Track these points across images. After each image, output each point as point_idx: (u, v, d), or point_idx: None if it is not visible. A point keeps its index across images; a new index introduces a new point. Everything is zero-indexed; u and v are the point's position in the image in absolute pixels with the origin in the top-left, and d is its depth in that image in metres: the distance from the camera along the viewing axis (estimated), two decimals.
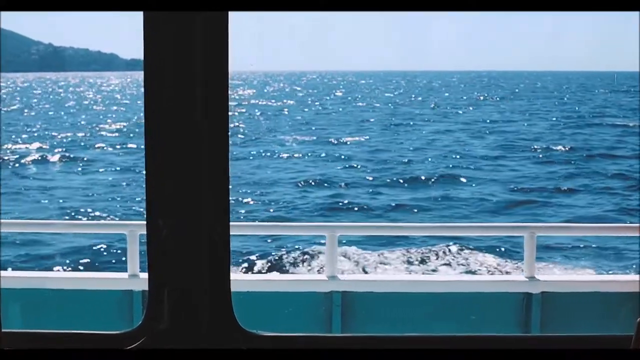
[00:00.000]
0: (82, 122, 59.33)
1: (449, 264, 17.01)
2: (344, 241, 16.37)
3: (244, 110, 69.12)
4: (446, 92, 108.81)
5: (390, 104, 79.62)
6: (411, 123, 55.82)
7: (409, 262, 17.03)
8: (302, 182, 28.65)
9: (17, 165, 34.38)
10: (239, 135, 45.46)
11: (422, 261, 17.13)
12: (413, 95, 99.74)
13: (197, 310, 2.14)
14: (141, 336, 2.14)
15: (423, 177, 29.63)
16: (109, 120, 60.24)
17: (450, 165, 32.95)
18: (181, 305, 2.13)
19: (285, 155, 37.11)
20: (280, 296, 5.97)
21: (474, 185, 28.00)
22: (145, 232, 2.13)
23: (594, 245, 16.99)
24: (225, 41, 2.03)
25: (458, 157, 36.10)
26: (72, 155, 37.20)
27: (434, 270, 16.29)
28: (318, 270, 14.10)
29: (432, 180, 29.02)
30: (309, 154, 37.68)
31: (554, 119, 58.90)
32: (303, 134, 47.71)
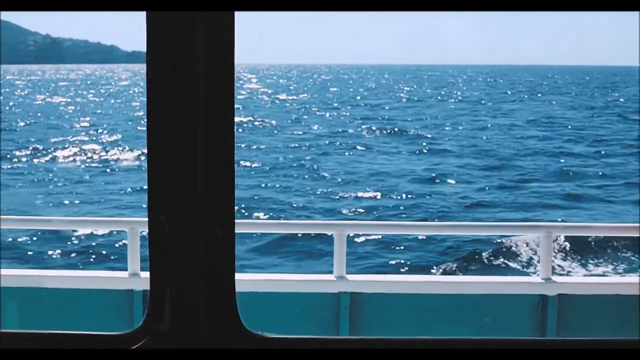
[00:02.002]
0: None
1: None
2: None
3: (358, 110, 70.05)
4: (506, 88, 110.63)
5: (484, 101, 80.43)
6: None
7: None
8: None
9: None
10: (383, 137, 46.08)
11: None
12: (496, 91, 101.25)
13: (200, 311, 2.15)
14: (142, 337, 2.15)
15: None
16: None
17: None
18: (184, 306, 2.14)
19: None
20: (286, 297, 5.97)
21: None
22: (146, 230, 2.14)
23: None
24: (231, 40, 2.05)
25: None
26: None
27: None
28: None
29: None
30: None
31: None
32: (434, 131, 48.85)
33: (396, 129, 49.37)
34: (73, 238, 18.54)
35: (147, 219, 2.10)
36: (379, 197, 26.12)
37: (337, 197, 25.99)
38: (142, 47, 2.07)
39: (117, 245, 17.58)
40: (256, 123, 54.61)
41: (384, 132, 48.58)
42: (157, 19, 2.02)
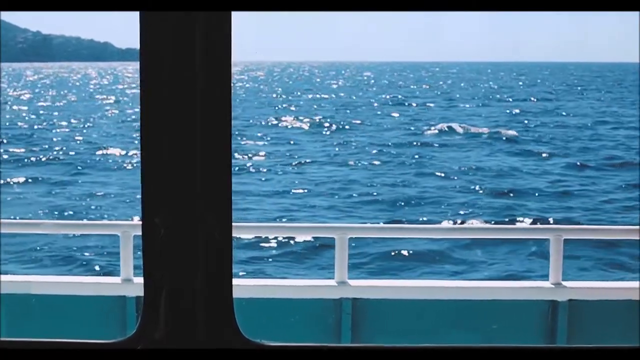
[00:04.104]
0: None
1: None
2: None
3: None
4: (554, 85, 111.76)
5: (539, 100, 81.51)
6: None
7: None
8: None
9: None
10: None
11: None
12: (548, 89, 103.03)
13: (196, 318, 2.14)
14: (135, 345, 2.14)
15: None
16: None
17: None
18: (179, 312, 2.13)
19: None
20: (285, 303, 5.97)
21: None
22: (139, 233, 2.13)
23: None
24: (228, 40, 2.06)
25: None
26: None
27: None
28: None
29: None
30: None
31: None
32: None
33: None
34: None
35: (140, 222, 2.10)
36: None
37: None
38: (137, 44, 2.08)
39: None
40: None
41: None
42: (152, 19, 2.03)
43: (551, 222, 21.19)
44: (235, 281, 2.17)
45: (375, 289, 6.14)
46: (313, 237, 17.09)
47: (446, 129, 50.50)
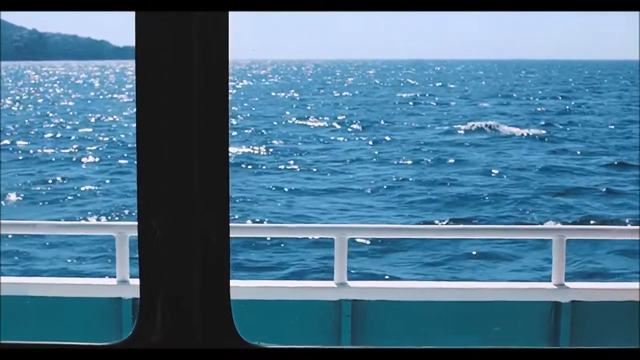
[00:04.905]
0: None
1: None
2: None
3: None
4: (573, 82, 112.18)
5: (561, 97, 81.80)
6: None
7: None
8: None
9: None
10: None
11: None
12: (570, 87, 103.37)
13: (193, 320, 2.14)
14: (131, 348, 2.14)
15: None
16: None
17: None
18: (176, 315, 2.13)
19: None
20: (284, 305, 5.96)
21: None
22: (135, 234, 2.13)
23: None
24: (225, 41, 2.06)
25: None
26: None
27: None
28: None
29: None
30: None
31: None
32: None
33: None
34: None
35: (136, 223, 2.09)
36: None
37: None
38: (134, 42, 2.08)
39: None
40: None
41: None
42: (148, 19, 2.03)
43: (627, 222, 21.25)
44: (232, 282, 2.17)
45: (375, 290, 6.13)
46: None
47: (483, 127, 50.56)
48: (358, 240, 17.14)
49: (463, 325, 6.01)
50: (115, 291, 5.89)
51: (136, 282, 2.43)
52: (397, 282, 8.07)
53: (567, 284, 5.95)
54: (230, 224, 2.15)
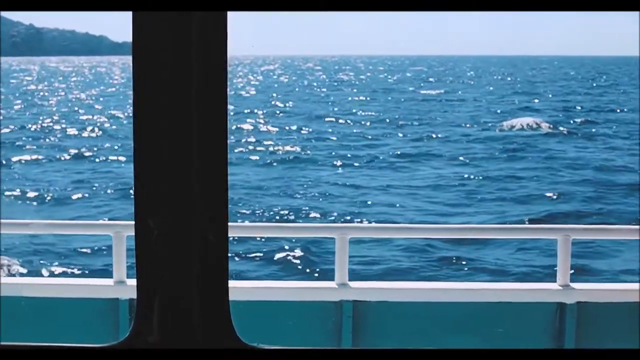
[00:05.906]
0: None
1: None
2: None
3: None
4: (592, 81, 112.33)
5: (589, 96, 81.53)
6: None
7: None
8: None
9: None
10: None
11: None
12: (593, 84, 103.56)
13: (191, 321, 2.14)
14: (128, 349, 2.14)
15: None
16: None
17: None
18: (173, 315, 2.13)
19: None
20: (283, 306, 5.96)
21: None
22: (132, 233, 2.13)
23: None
24: (224, 41, 2.07)
25: None
26: None
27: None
28: None
29: None
30: None
31: None
32: None
33: None
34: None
35: (133, 223, 2.09)
36: None
37: None
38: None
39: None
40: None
41: None
42: (146, 19, 2.03)
43: None
44: (231, 283, 2.17)
45: (376, 291, 6.13)
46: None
47: (523, 124, 50.25)
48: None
49: (466, 327, 6.01)
50: (112, 291, 5.89)
51: (133, 282, 2.43)
52: (399, 283, 8.06)
53: (573, 284, 5.95)
54: (229, 224, 2.15)
